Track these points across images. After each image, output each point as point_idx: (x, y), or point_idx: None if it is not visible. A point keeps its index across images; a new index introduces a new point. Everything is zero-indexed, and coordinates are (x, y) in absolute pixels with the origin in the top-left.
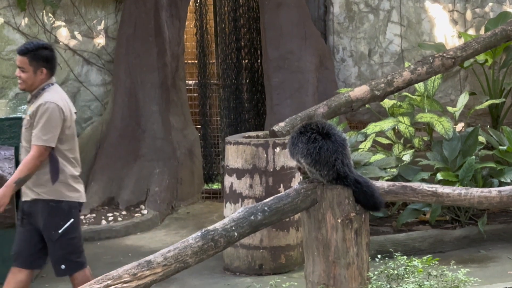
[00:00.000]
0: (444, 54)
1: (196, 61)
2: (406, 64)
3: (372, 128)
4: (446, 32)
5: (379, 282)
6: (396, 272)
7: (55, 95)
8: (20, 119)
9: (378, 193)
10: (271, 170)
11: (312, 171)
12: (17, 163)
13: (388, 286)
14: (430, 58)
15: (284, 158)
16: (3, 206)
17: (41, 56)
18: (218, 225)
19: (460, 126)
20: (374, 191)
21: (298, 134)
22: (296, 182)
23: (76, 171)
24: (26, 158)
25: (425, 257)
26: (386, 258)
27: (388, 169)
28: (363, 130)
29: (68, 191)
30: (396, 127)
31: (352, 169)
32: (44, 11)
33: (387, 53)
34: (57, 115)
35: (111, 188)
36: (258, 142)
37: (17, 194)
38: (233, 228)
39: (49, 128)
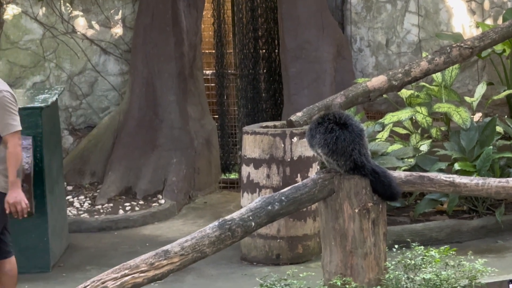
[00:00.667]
0: (462, 44)
1: (213, 51)
2: (424, 54)
3: (390, 118)
4: (463, 22)
5: (396, 272)
6: (413, 262)
7: (4, 85)
8: (38, 108)
9: (395, 183)
10: (288, 160)
11: (330, 161)
12: (34, 153)
13: (405, 276)
14: (448, 48)
15: (301, 148)
16: (24, 202)
17: None
18: (235, 215)
19: (477, 116)
20: (392, 181)
21: (316, 125)
22: (314, 172)
23: None
24: (9, 151)
25: (442, 247)
26: (403, 248)
27: (406, 159)
28: (380, 120)
29: (5, 182)
30: (413, 117)
31: (370, 159)
32: (61, 1)
33: (404, 43)
34: (13, 101)
35: (129, 177)
36: (275, 132)
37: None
38: (250, 218)
39: (14, 113)
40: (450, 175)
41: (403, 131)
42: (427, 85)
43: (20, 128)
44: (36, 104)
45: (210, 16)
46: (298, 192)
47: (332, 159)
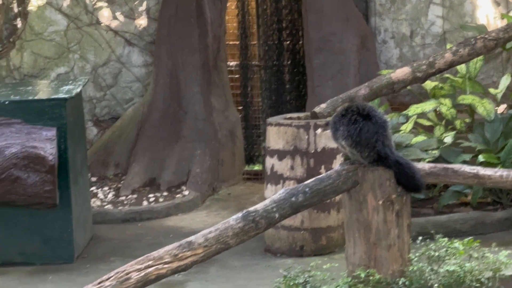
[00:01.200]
0: (486, 36)
1: (237, 43)
2: (448, 46)
3: (414, 110)
4: (488, 14)
5: (420, 264)
6: (437, 254)
7: None
8: (63, 100)
9: (419, 174)
10: (312, 151)
11: (353, 152)
12: (58, 144)
13: (429, 268)
14: (472, 39)
15: (325, 140)
16: None
17: None
18: (259, 206)
19: (502, 108)
20: (415, 172)
21: (339, 118)
22: (337, 163)
23: None
24: None
25: (466, 239)
26: (427, 240)
27: (430, 151)
28: (404, 112)
29: None
30: (437, 109)
31: (393, 150)
32: None
33: (429, 34)
34: None
35: (153, 169)
36: (299, 123)
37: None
38: (274, 209)
39: None
40: (474, 167)
41: (427, 123)
42: (451, 76)
43: None
44: (60, 95)
45: (234, 7)
46: (322, 184)
47: (356, 151)
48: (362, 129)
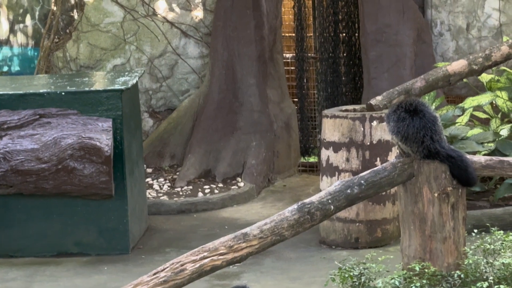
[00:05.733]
0: None
1: (293, 34)
2: (505, 39)
3: (470, 102)
4: None
5: (476, 257)
6: (492, 246)
7: None
8: (118, 91)
9: (472, 168)
10: (368, 143)
11: (405, 147)
12: (114, 135)
13: (485, 260)
14: None
15: (381, 132)
16: None
17: None
18: (315, 198)
19: None
20: (468, 166)
21: (391, 113)
22: (393, 156)
23: None
24: None
25: None
26: (483, 233)
27: (486, 144)
28: (460, 105)
29: None
30: (493, 102)
31: (444, 144)
32: None
33: (485, 27)
34: None
35: (208, 160)
36: (355, 115)
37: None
38: (329, 201)
39: None
40: None
41: (483, 116)
42: (507, 69)
43: None
44: (116, 87)
45: None
46: (377, 176)
47: (406, 146)
48: (409, 125)
